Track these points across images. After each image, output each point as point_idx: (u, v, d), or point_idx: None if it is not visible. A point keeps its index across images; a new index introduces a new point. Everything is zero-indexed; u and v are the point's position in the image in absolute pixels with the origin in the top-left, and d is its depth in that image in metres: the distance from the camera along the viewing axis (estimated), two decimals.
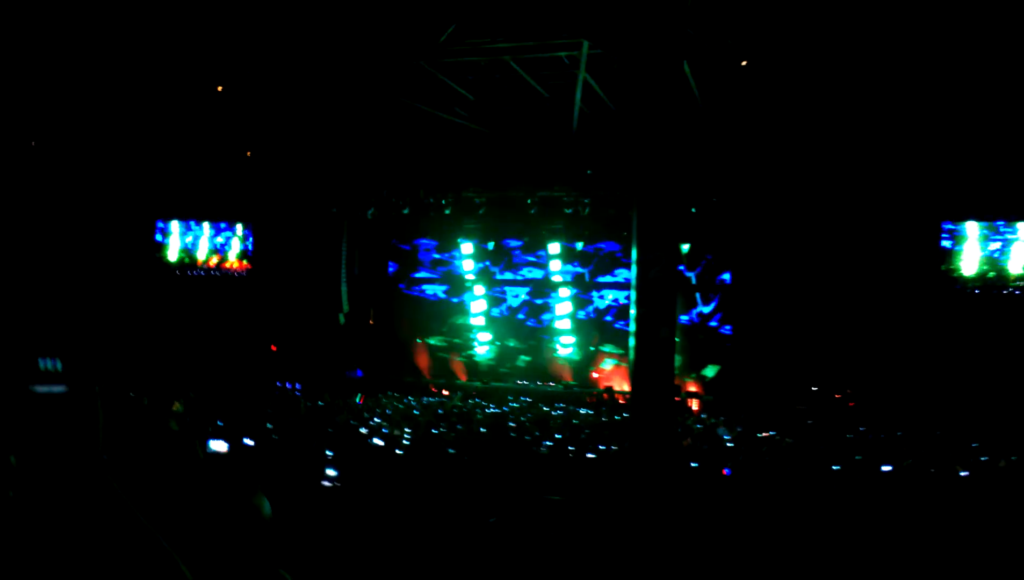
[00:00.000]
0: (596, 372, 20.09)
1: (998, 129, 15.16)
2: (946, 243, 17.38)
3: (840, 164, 16.28)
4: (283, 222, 20.12)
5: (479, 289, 21.03)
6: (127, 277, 20.11)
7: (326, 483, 6.32)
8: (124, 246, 20.23)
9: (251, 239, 20.67)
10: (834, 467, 10.21)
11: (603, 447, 11.15)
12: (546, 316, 20.78)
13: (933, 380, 15.91)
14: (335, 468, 6.27)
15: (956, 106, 14.61)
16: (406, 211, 20.14)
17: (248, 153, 18.90)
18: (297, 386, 18.29)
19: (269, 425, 10.41)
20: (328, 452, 7.57)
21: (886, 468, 9.36)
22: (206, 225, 20.88)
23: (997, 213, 16.98)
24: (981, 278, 17.07)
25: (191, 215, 20.91)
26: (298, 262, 19.91)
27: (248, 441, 8.76)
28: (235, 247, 20.80)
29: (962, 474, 10.05)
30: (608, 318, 20.40)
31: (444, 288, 21.40)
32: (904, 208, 16.95)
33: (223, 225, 20.86)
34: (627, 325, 19.90)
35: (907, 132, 15.53)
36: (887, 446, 11.80)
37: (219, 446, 6.93)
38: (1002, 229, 17.14)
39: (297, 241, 19.96)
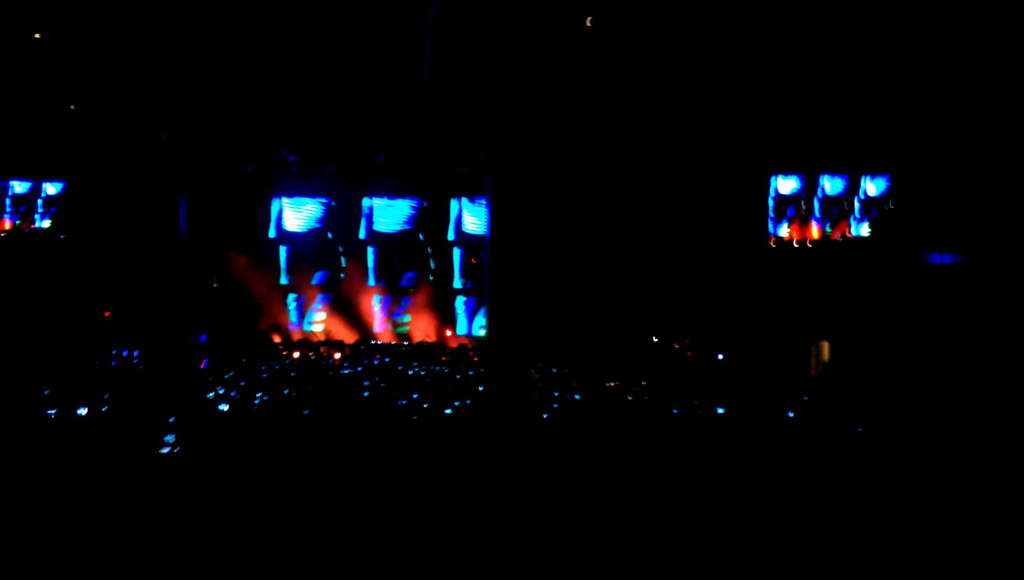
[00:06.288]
0: (449, 330, 20.23)
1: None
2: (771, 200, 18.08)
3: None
4: (111, 178, 18.67)
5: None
6: None
7: (164, 451, 6.10)
8: None
9: (73, 197, 18.97)
10: (674, 411, 10.89)
11: (457, 403, 11.34)
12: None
13: (758, 327, 17.03)
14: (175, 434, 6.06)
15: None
16: (250, 169, 19.80)
17: (72, 106, 17.40)
18: (135, 353, 17.33)
19: (106, 394, 9.89)
20: (170, 418, 7.31)
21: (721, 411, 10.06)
22: (16, 183, 18.93)
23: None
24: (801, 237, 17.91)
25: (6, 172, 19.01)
26: (130, 221, 18.61)
27: (82, 410, 8.27)
28: (53, 207, 19.08)
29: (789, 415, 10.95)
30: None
31: (287, 249, 20.71)
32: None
33: (43, 182, 19.08)
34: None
35: None
36: (723, 391, 12.69)
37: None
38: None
39: (127, 198, 18.62)
